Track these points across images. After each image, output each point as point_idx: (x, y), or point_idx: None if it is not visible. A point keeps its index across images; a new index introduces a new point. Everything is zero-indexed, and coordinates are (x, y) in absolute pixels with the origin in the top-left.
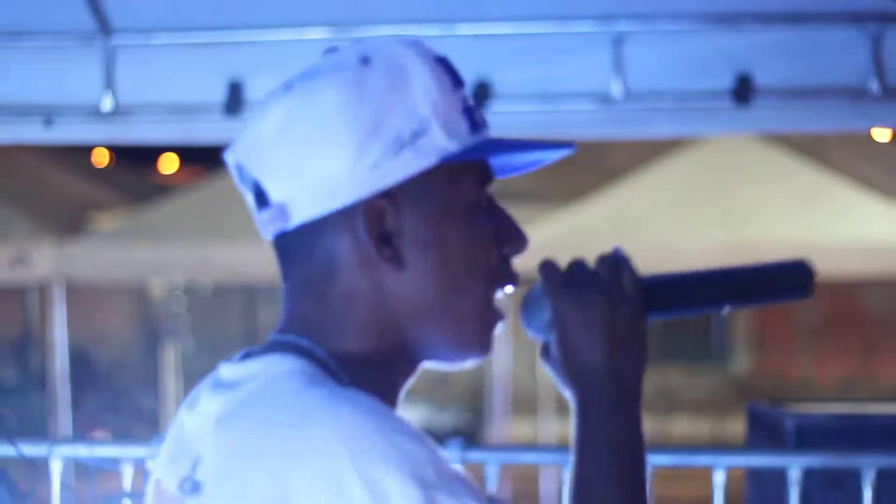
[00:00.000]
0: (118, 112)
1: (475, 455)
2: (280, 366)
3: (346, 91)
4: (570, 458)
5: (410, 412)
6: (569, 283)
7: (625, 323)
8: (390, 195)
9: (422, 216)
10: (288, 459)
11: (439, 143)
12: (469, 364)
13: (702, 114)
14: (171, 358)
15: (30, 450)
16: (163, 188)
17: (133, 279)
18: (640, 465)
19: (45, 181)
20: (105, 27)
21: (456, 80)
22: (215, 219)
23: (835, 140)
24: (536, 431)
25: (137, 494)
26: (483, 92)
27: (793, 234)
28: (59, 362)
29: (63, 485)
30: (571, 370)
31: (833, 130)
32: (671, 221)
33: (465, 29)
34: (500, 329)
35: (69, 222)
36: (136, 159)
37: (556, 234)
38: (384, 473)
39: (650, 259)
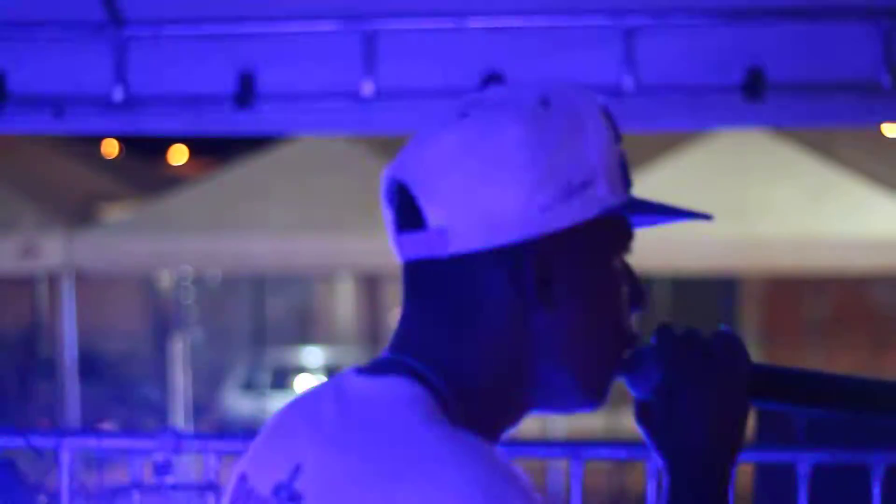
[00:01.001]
0: (129, 103)
1: None
2: (398, 391)
3: (528, 129)
4: None
5: None
6: (684, 355)
7: (732, 410)
8: (554, 240)
9: (576, 264)
10: (407, 497)
11: (603, 195)
12: (576, 413)
13: (713, 108)
14: (179, 349)
15: (39, 441)
16: (172, 179)
17: (142, 270)
18: None
19: (55, 172)
20: (116, 18)
21: (617, 134)
22: (224, 210)
23: (844, 135)
24: (545, 425)
25: (146, 486)
26: (494, 84)
27: (802, 229)
28: (68, 353)
29: (72, 476)
30: (670, 443)
31: (844, 125)
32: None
33: (477, 22)
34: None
35: (78, 213)
36: (145, 150)
37: None
38: None
39: (658, 252)
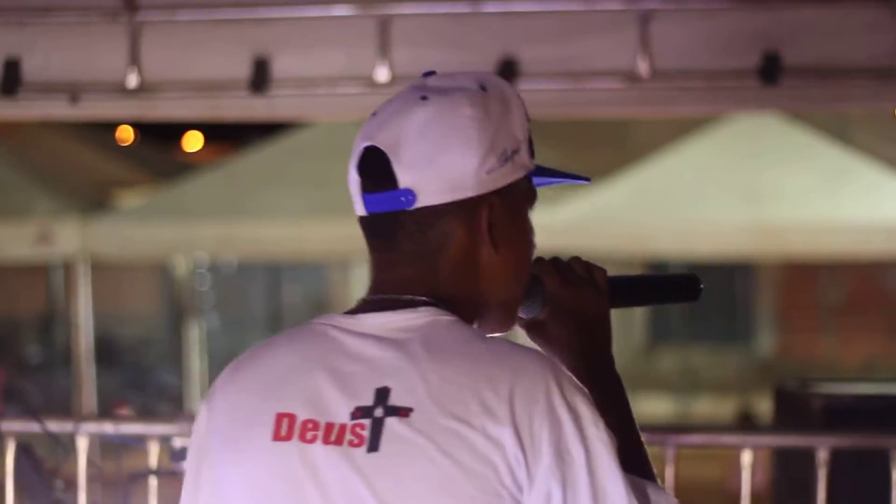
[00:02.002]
0: (143, 89)
1: None
2: (438, 316)
3: (477, 109)
4: None
5: None
6: (560, 272)
7: (601, 311)
8: (498, 194)
9: (510, 214)
10: (510, 383)
11: (525, 161)
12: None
13: (729, 92)
14: (195, 335)
15: (56, 427)
16: (187, 166)
17: (157, 257)
18: (622, 416)
19: (70, 158)
20: (130, 3)
21: (527, 114)
22: (239, 196)
23: (859, 120)
24: None
25: (163, 472)
26: (509, 70)
27: (817, 214)
28: (84, 340)
29: (89, 462)
30: (562, 346)
31: (860, 109)
32: (695, 200)
33: (492, 6)
34: None
35: (94, 200)
36: (160, 136)
37: (582, 213)
38: (576, 398)
39: (674, 237)
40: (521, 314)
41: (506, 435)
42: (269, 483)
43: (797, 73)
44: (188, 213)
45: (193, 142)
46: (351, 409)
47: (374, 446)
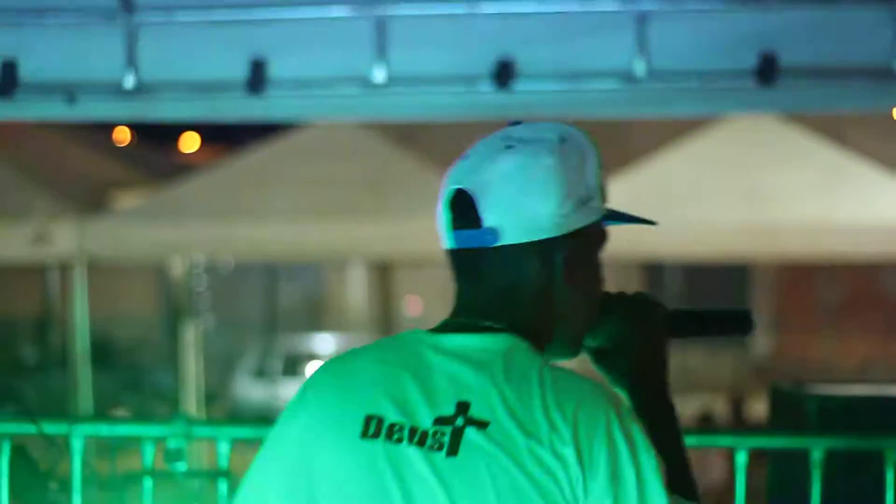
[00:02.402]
0: (140, 90)
1: None
2: (515, 343)
3: (557, 159)
4: None
5: None
6: (624, 306)
7: (660, 344)
8: (571, 237)
9: (583, 254)
10: (575, 409)
11: (598, 206)
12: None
13: (725, 93)
14: (191, 336)
15: (50, 428)
16: (184, 167)
17: (154, 258)
18: (675, 442)
19: (67, 159)
20: (127, 4)
21: (601, 161)
22: (236, 197)
23: (856, 120)
24: None
25: (158, 473)
26: (506, 71)
27: (814, 214)
28: (80, 341)
29: (84, 463)
30: (623, 374)
31: (856, 110)
32: (692, 201)
33: (489, 7)
34: None
35: (90, 200)
36: (157, 138)
37: None
38: (632, 427)
39: (671, 238)
40: (590, 343)
41: (569, 453)
42: (354, 477)
43: (794, 74)
44: (185, 215)
45: (191, 143)
46: (434, 417)
47: (453, 451)
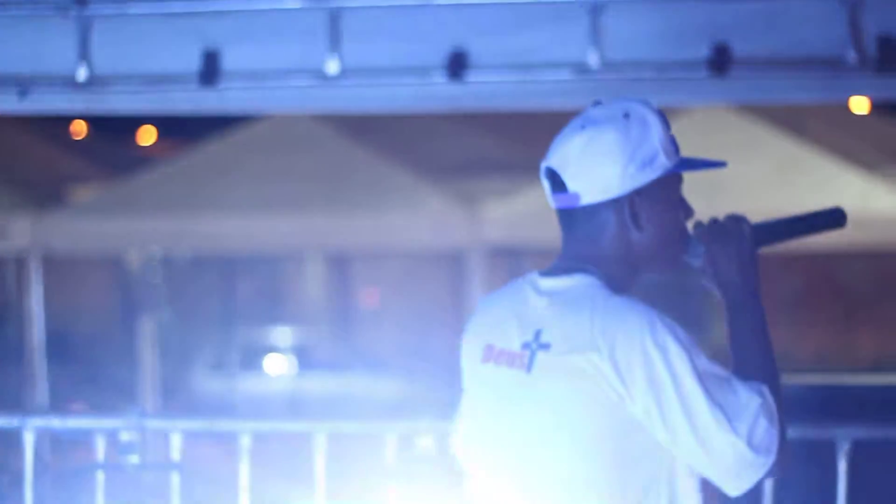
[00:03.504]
0: (93, 82)
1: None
2: (589, 280)
3: (619, 134)
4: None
5: (388, 382)
6: (712, 231)
7: (747, 254)
8: (639, 192)
9: (652, 202)
10: (613, 330)
11: (662, 163)
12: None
13: (679, 84)
14: (148, 329)
15: (2, 421)
16: (141, 160)
17: (110, 251)
18: (765, 336)
19: (23, 153)
20: None
21: (667, 122)
22: (193, 191)
23: (814, 112)
24: None
25: (111, 466)
26: (459, 62)
27: (770, 205)
28: (36, 334)
29: (37, 457)
30: (720, 284)
31: (810, 101)
32: None
33: None
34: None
35: (47, 194)
36: (114, 131)
37: (536, 205)
38: (666, 338)
39: None
40: (692, 261)
41: (607, 365)
42: (478, 394)
43: (747, 65)
44: (141, 208)
45: (147, 136)
46: (521, 342)
47: (529, 369)
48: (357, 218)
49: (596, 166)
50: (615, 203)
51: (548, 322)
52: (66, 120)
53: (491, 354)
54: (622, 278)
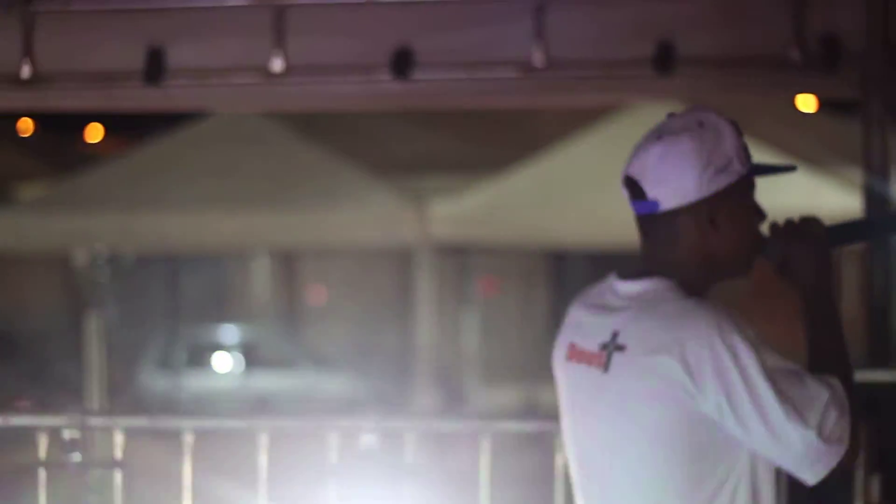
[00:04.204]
0: (37, 80)
1: (395, 423)
2: (664, 284)
3: (695, 142)
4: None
5: (335, 380)
6: (787, 233)
7: (822, 254)
8: (715, 197)
9: (727, 206)
10: (684, 332)
11: (736, 168)
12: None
13: (624, 82)
14: (94, 327)
15: None
16: (88, 157)
17: (57, 249)
18: (838, 333)
19: None
20: None
21: (739, 130)
22: (139, 188)
23: (761, 109)
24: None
25: (53, 464)
26: (405, 59)
27: None
28: None
29: None
30: (796, 283)
31: (754, 98)
32: (596, 190)
33: None
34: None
35: None
36: (61, 128)
37: (484, 203)
38: (734, 338)
39: (575, 227)
40: (771, 260)
41: (678, 366)
42: (564, 389)
43: (692, 63)
44: (88, 205)
45: (94, 133)
46: (600, 343)
47: (606, 369)
48: (304, 215)
49: (674, 173)
50: (693, 208)
51: (624, 324)
52: (13, 117)
53: (574, 353)
54: (698, 282)
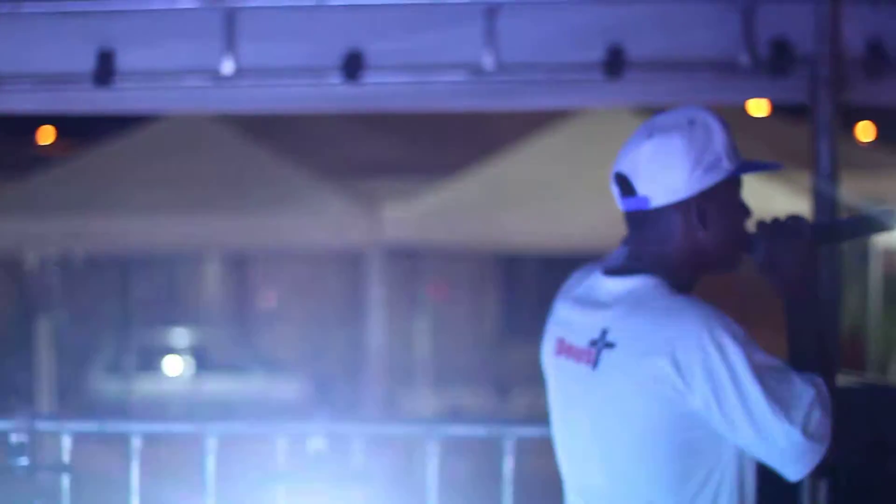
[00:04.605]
0: None
1: (344, 427)
2: (652, 281)
3: (685, 140)
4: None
5: (286, 383)
6: (772, 229)
7: (807, 252)
8: (704, 194)
9: (715, 203)
10: (674, 331)
11: (725, 166)
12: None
13: (573, 86)
14: (44, 331)
15: None
16: (39, 159)
17: (7, 251)
18: (822, 331)
19: None
20: None
21: (729, 129)
22: (90, 191)
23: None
24: (413, 403)
25: (1, 468)
26: (355, 63)
27: None
28: None
29: None
30: (781, 280)
31: (704, 103)
32: (548, 194)
33: (337, 0)
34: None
35: None
36: (12, 130)
37: (436, 206)
38: (723, 336)
39: (526, 231)
40: (755, 258)
41: (668, 365)
42: (552, 384)
43: (641, 67)
44: (38, 208)
45: (46, 136)
46: (588, 339)
47: (595, 365)
48: (255, 218)
49: (664, 170)
50: (682, 205)
51: (614, 322)
52: None
53: (562, 348)
54: (685, 278)
